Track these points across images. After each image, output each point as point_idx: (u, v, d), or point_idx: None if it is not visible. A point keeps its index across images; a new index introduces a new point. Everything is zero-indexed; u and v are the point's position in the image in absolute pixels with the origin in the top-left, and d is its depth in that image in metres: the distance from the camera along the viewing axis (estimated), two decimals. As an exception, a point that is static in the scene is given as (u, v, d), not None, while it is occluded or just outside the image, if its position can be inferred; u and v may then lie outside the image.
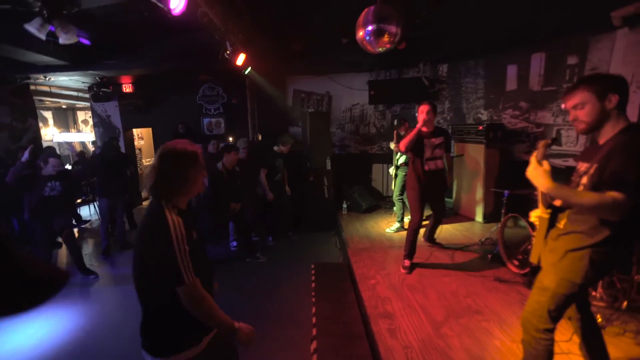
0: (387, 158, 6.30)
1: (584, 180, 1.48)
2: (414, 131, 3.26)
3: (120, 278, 4.02)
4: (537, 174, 1.45)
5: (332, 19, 3.62)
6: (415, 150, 3.35)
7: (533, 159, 1.51)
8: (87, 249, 5.07)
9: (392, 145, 4.80)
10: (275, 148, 4.88)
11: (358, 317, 2.85)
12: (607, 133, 1.46)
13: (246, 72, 5.21)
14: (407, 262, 3.45)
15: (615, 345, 2.19)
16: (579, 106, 1.47)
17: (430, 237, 4.00)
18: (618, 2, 3.34)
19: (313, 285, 3.45)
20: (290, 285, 3.65)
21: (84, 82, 6.55)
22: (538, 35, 4.46)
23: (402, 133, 4.64)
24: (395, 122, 4.94)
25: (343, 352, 2.42)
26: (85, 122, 10.42)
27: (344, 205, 6.00)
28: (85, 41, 4.00)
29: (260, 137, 6.68)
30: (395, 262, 3.67)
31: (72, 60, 4.89)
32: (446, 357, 2.21)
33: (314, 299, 3.15)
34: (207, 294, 1.24)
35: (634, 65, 3.69)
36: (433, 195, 3.53)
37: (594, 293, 2.69)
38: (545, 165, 1.48)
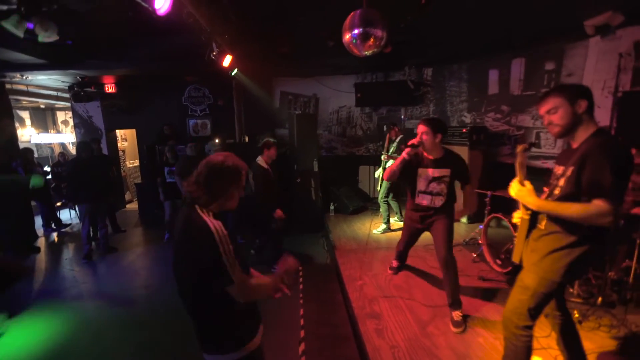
0: (374, 160, 6.38)
1: (561, 182, 1.55)
2: (398, 160, 2.62)
3: (101, 283, 3.91)
4: (523, 194, 1.58)
5: (319, 22, 3.64)
6: (407, 178, 2.71)
7: (516, 182, 1.62)
8: (68, 253, 4.91)
9: (383, 157, 4.68)
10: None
11: (346, 318, 2.87)
12: (580, 137, 1.55)
13: (233, 74, 5.18)
14: (394, 263, 3.40)
15: (591, 339, 2.29)
16: (552, 110, 1.57)
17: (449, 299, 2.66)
18: (591, 12, 3.49)
19: (301, 287, 3.45)
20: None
21: (64, 82, 6.35)
22: (518, 42, 4.62)
23: (393, 138, 4.68)
24: (385, 128, 4.90)
25: (331, 353, 2.44)
26: (65, 122, 10.09)
27: (331, 207, 6.03)
28: (69, 41, 3.89)
29: (247, 139, 6.64)
30: (382, 263, 3.72)
31: (52, 58, 4.74)
32: (432, 355, 2.25)
33: (302, 301, 3.15)
34: (253, 282, 1.32)
35: (605, 72, 3.87)
36: (432, 232, 2.75)
37: (570, 290, 2.80)
38: (528, 184, 1.60)
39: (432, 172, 2.61)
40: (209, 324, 1.31)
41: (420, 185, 2.69)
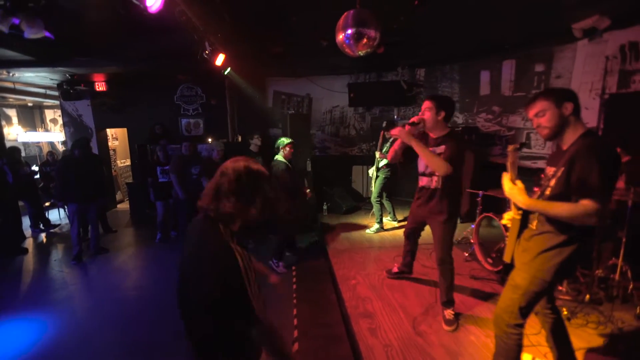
0: (367, 160, 6.40)
1: (552, 182, 1.59)
2: (398, 140, 2.57)
3: (92, 285, 3.84)
4: (515, 192, 1.61)
5: (312, 22, 3.64)
6: (410, 160, 2.66)
7: (507, 180, 1.65)
8: (57, 254, 4.82)
9: (378, 155, 4.63)
10: (251, 147, 4.88)
11: (339, 317, 2.87)
12: (569, 138, 1.59)
13: (225, 73, 5.14)
14: (395, 268, 3.33)
15: (579, 335, 2.34)
16: (540, 114, 1.62)
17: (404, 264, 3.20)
18: (578, 16, 3.56)
19: (294, 287, 3.45)
20: (270, 287, 3.62)
21: (52, 79, 6.22)
22: (508, 44, 4.69)
23: (389, 136, 4.56)
24: (384, 124, 4.79)
25: (325, 353, 2.44)
26: (54, 121, 9.90)
27: (324, 207, 6.03)
28: (49, 34, 3.79)
29: (240, 139, 6.60)
30: (375, 263, 3.74)
31: (40, 55, 4.64)
32: (425, 353, 2.27)
33: (295, 301, 3.14)
34: (276, 327, 1.18)
35: (592, 74, 3.95)
36: (431, 227, 2.69)
37: (559, 287, 2.86)
38: (519, 184, 1.63)
39: (433, 150, 2.44)
40: (211, 349, 1.16)
41: (420, 166, 2.61)
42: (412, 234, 3.01)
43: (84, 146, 4.39)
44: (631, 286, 2.70)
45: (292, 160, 3.85)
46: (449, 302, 2.61)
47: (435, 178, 2.51)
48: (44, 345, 2.71)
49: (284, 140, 3.79)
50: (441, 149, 2.41)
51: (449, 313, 2.58)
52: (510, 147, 1.66)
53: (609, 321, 2.48)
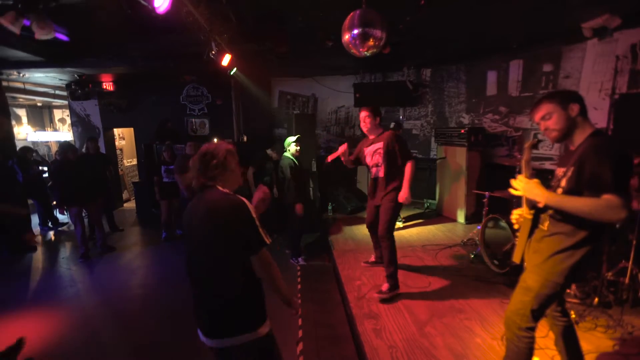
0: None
1: (563, 182, 1.57)
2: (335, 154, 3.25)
3: (98, 283, 3.88)
4: (531, 187, 1.54)
5: (318, 22, 3.64)
6: (361, 160, 3.30)
7: (522, 177, 1.60)
8: (65, 252, 4.88)
9: None
10: (268, 151, 5.08)
11: (344, 318, 2.87)
12: (578, 139, 1.57)
13: (231, 73, 5.16)
14: (372, 257, 3.65)
15: (588, 339, 2.30)
16: (546, 117, 1.59)
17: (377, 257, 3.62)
18: (588, 15, 3.51)
19: (299, 287, 3.45)
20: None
21: (61, 80, 6.31)
22: (516, 44, 4.64)
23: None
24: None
25: (329, 354, 2.44)
26: (62, 120, 10.03)
27: (329, 207, 6.03)
28: (63, 37, 3.85)
29: (245, 139, 6.63)
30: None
31: (49, 56, 4.71)
32: (430, 355, 2.26)
33: (300, 301, 3.15)
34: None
35: (602, 73, 3.89)
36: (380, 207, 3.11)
37: (568, 290, 2.82)
38: (534, 180, 1.57)
39: (372, 147, 3.11)
40: (240, 299, 1.36)
41: (368, 160, 3.18)
42: (372, 227, 3.36)
43: (74, 150, 4.41)
44: (641, 290, 2.65)
45: (298, 157, 4.12)
46: (389, 277, 2.99)
47: (381, 169, 3.08)
48: (52, 342, 2.74)
49: (289, 140, 4.07)
50: (379, 144, 3.04)
51: (385, 287, 2.98)
52: (527, 144, 1.65)
53: (618, 325, 2.44)
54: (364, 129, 3.14)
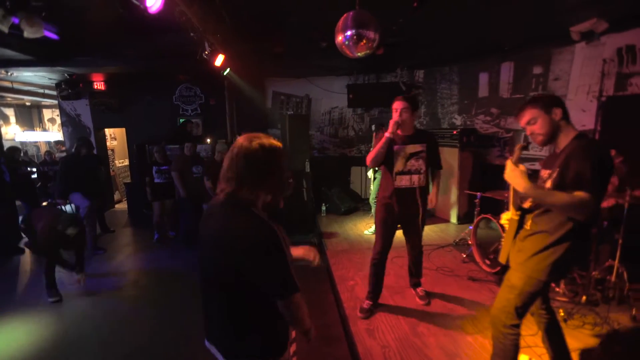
0: (366, 161, 6.40)
1: (548, 184, 1.61)
2: (382, 140, 2.49)
3: (89, 285, 3.81)
4: (515, 174, 1.58)
5: (312, 23, 3.65)
6: (385, 161, 2.59)
7: (509, 162, 1.64)
8: (53, 254, 4.80)
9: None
10: (216, 156, 4.95)
11: (337, 318, 2.88)
12: (562, 142, 1.63)
13: (225, 73, 5.14)
14: (366, 304, 2.78)
15: (575, 337, 2.35)
16: (531, 121, 1.65)
17: (411, 280, 3.00)
18: (576, 18, 3.59)
19: (292, 287, 3.45)
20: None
21: (51, 79, 6.21)
22: (507, 46, 4.71)
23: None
24: (373, 128, 4.78)
25: (322, 354, 2.44)
26: (52, 120, 9.88)
27: (323, 208, 6.04)
28: (53, 35, 3.79)
29: (239, 139, 6.59)
30: (374, 263, 3.73)
31: (38, 55, 4.63)
32: (423, 355, 2.28)
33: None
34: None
35: (590, 76, 3.98)
36: (406, 221, 2.72)
37: (557, 289, 2.87)
38: (521, 167, 1.61)
39: (409, 148, 2.55)
40: (253, 326, 1.15)
41: (398, 165, 2.58)
42: (385, 251, 2.80)
43: (90, 146, 4.64)
44: (627, 288, 2.71)
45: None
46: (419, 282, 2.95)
47: (419, 176, 2.60)
48: (40, 346, 2.69)
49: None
50: (422, 146, 2.57)
51: (420, 290, 2.97)
52: (518, 145, 1.69)
53: (605, 322, 2.50)
54: (395, 126, 2.47)
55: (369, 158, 2.57)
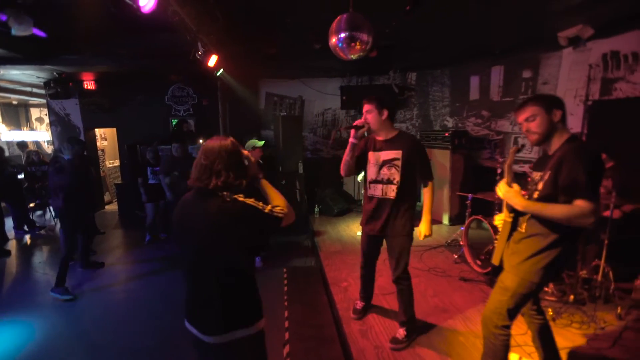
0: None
1: (540, 186, 1.63)
2: (347, 146, 2.28)
3: (77, 287, 3.76)
4: (511, 195, 1.62)
5: (306, 25, 3.66)
6: (363, 168, 2.39)
7: (503, 184, 1.67)
8: (41, 256, 4.70)
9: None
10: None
11: (330, 319, 2.88)
12: (555, 144, 1.65)
13: (218, 74, 5.12)
14: (358, 304, 2.78)
15: (563, 335, 2.40)
16: (530, 118, 1.66)
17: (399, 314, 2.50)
18: (564, 24, 3.67)
19: (285, 289, 3.44)
20: (262, 289, 3.60)
21: (39, 77, 6.09)
22: (498, 50, 4.80)
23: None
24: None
25: (316, 355, 2.44)
26: (40, 120, 9.67)
27: (316, 209, 6.04)
28: (41, 33, 3.72)
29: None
30: (367, 264, 3.75)
31: (27, 53, 4.54)
32: (415, 355, 2.30)
33: (286, 303, 3.14)
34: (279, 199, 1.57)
35: (577, 81, 4.08)
36: (385, 236, 2.38)
37: (545, 289, 2.93)
38: (515, 187, 1.65)
39: (383, 154, 2.25)
40: (240, 297, 1.37)
41: (371, 172, 2.31)
42: (371, 263, 2.68)
43: (83, 145, 4.48)
44: (612, 287, 2.78)
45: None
46: (408, 322, 2.40)
47: (391, 187, 2.26)
48: (28, 350, 2.63)
49: (254, 144, 3.71)
50: (396, 153, 2.23)
51: (401, 332, 2.39)
52: (512, 149, 1.73)
53: (592, 321, 2.55)
54: (356, 128, 2.26)
55: (342, 168, 2.37)
